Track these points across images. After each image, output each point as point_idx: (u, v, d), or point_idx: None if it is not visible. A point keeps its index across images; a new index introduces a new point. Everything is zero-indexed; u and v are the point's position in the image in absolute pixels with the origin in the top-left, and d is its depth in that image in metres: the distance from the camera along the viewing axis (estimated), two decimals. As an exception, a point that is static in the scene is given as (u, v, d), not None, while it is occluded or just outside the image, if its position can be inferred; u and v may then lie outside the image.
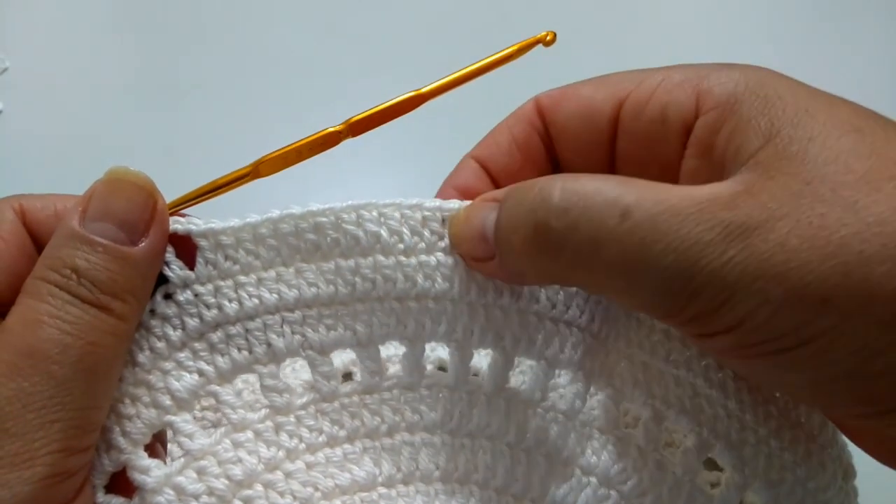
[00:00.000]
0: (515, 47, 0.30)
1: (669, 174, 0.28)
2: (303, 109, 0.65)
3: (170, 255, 0.28)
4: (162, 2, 0.75)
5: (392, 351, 0.33)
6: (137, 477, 0.27)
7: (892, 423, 0.24)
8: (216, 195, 0.29)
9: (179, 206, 0.29)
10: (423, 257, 0.29)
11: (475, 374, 0.31)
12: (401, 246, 0.29)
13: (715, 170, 0.26)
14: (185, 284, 0.28)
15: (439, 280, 0.29)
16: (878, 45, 0.68)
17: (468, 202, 0.29)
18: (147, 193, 0.27)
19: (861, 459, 0.30)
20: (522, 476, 0.30)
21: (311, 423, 0.29)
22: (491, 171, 0.32)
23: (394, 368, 0.31)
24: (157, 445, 0.29)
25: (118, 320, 0.26)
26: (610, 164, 0.30)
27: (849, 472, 0.31)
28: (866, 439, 0.29)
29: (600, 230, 0.23)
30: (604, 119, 0.29)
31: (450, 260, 0.29)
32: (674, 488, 0.30)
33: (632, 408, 0.32)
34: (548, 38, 0.30)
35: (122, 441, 0.27)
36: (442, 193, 0.33)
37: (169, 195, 0.28)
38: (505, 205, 0.26)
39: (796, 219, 0.22)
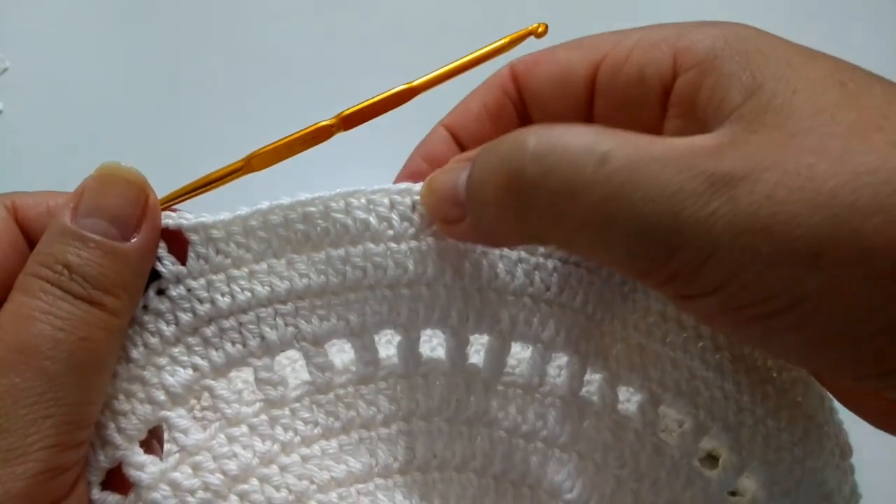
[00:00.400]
0: (507, 39, 0.30)
1: None
2: (303, 109, 0.65)
3: (162, 250, 0.28)
4: (162, 2, 0.75)
5: (392, 350, 0.32)
6: (133, 473, 0.27)
7: (892, 385, 0.22)
8: (209, 190, 0.29)
9: (172, 201, 0.29)
10: (414, 243, 0.29)
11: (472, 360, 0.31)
12: (390, 232, 0.28)
13: (699, 128, 0.24)
14: (178, 279, 0.28)
15: (431, 265, 0.29)
16: (876, 44, 0.68)
17: None
18: (138, 189, 0.27)
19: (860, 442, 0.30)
20: (520, 462, 0.30)
21: (306, 415, 0.29)
22: (461, 140, 0.32)
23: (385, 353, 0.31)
24: (152, 441, 0.29)
25: (110, 315, 0.26)
26: None
27: (845, 451, 0.31)
28: (862, 403, 0.28)
29: (577, 176, 0.22)
30: (580, 82, 0.28)
31: (441, 244, 0.29)
32: (672, 471, 0.30)
33: (629, 391, 0.32)
34: (539, 29, 0.30)
35: (117, 437, 0.27)
36: (410, 162, 0.32)
37: (169, 192, 0.28)
38: (478, 160, 0.25)
39: (784, 169, 0.20)
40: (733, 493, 0.31)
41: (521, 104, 0.30)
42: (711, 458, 0.33)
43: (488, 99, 0.31)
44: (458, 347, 0.30)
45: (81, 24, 0.74)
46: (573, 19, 0.70)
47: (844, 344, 0.21)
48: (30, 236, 0.28)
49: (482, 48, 0.30)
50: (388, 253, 0.28)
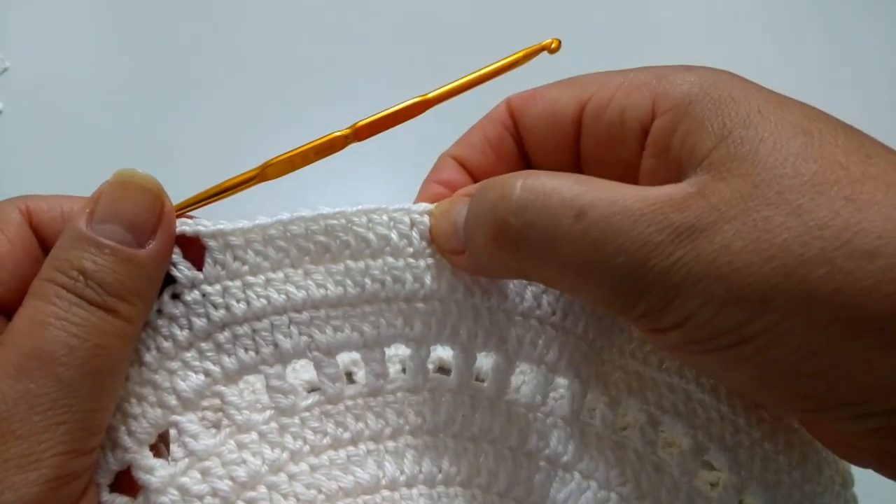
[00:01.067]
0: (521, 54, 0.30)
1: (630, 174, 0.29)
2: (304, 109, 0.65)
3: (177, 255, 0.28)
4: (162, 2, 0.75)
5: (391, 351, 0.33)
6: (142, 476, 0.27)
7: (835, 418, 0.24)
8: (223, 197, 0.29)
9: (187, 207, 0.29)
10: (431, 260, 0.29)
11: (479, 378, 0.32)
12: (410, 249, 0.29)
13: (671, 170, 0.26)
14: (193, 285, 0.28)
15: (445, 282, 0.29)
16: (874, 43, 0.68)
17: None
18: (154, 196, 0.27)
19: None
20: (524, 480, 0.31)
21: (316, 424, 0.30)
22: (468, 169, 0.33)
23: (393, 368, 0.32)
24: (160, 445, 0.29)
25: (125, 322, 0.26)
26: (576, 163, 0.31)
27: (847, 479, 0.31)
28: (818, 433, 0.30)
29: (556, 230, 0.24)
30: (567, 120, 0.29)
31: None
32: (672, 490, 0.30)
33: (628, 413, 0.32)
34: (553, 45, 0.31)
35: (127, 440, 0.27)
36: (425, 189, 0.33)
37: (170, 193, 0.28)
38: (471, 205, 0.27)
39: (742, 221, 0.23)
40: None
41: (518, 137, 0.32)
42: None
43: (489, 132, 0.32)
44: (466, 364, 0.30)
45: (81, 24, 0.74)
46: (581, 25, 0.71)
47: (786, 381, 0.24)
48: (44, 241, 0.28)
49: (495, 63, 0.30)
50: (407, 267, 0.29)
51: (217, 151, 0.63)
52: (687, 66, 0.27)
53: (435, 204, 0.30)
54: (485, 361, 0.32)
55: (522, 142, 0.32)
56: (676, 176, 0.26)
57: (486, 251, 0.27)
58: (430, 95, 0.30)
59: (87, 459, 0.26)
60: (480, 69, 0.30)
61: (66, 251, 0.26)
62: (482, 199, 0.27)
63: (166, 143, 0.64)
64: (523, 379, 0.32)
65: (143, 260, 0.26)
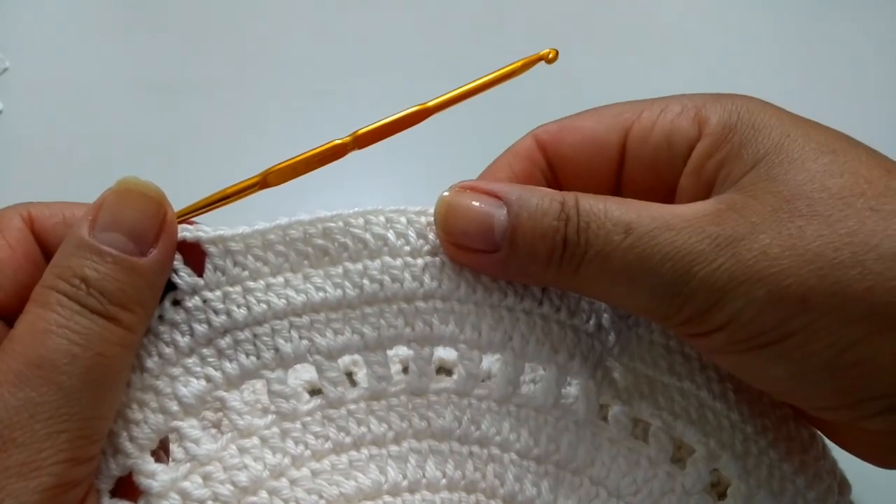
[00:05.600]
0: (519, 63, 0.31)
1: (669, 197, 0.30)
2: (305, 111, 0.65)
3: (178, 262, 0.28)
4: (163, 2, 0.75)
5: (391, 352, 0.32)
6: (143, 481, 0.28)
7: (864, 415, 0.26)
8: (224, 204, 0.30)
9: (188, 214, 0.29)
10: (429, 258, 0.29)
11: (485, 380, 0.31)
12: (407, 248, 0.29)
13: (700, 190, 0.29)
14: (194, 291, 0.28)
15: (446, 280, 0.29)
16: (874, 44, 0.68)
17: None
18: (157, 204, 0.27)
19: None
20: (531, 485, 0.30)
21: (318, 429, 0.30)
22: None
23: (394, 369, 0.31)
24: (159, 451, 0.29)
25: (126, 331, 0.26)
26: (615, 190, 0.32)
27: (843, 487, 0.32)
28: (843, 435, 0.31)
29: (608, 245, 0.26)
30: (612, 148, 0.31)
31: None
32: (682, 498, 0.30)
33: (641, 419, 0.32)
34: (550, 55, 0.31)
35: (128, 446, 0.28)
36: None
37: (169, 194, 0.28)
38: (523, 210, 0.28)
39: (777, 231, 0.25)
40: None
41: (549, 172, 0.33)
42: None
43: (516, 168, 0.33)
44: (471, 365, 0.30)
45: (81, 24, 0.74)
46: (577, 30, 0.71)
47: (822, 375, 0.25)
48: (45, 247, 0.28)
49: (494, 72, 0.31)
50: (405, 266, 0.29)
51: (217, 152, 0.63)
52: (723, 94, 0.29)
53: (445, 195, 0.29)
54: (491, 362, 0.32)
55: (556, 174, 0.33)
56: (705, 196, 0.28)
57: (539, 266, 0.28)
58: (430, 104, 0.30)
59: (87, 467, 0.26)
60: (479, 79, 0.31)
61: (67, 258, 0.26)
62: (543, 213, 0.27)
63: (166, 144, 0.64)
64: (533, 386, 0.32)
65: (144, 268, 0.26)
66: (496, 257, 0.28)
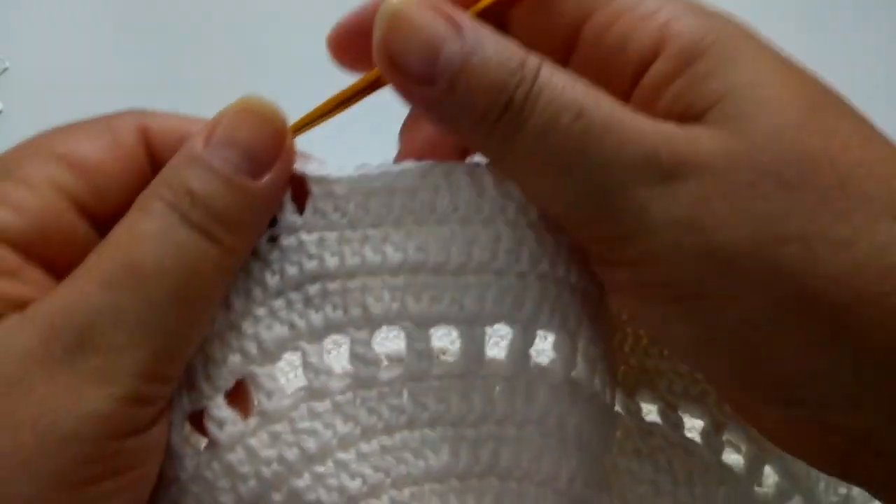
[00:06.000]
0: None
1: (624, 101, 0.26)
2: (304, 111, 0.65)
3: (285, 196, 0.26)
4: (163, 2, 0.75)
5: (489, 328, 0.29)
6: (212, 429, 0.25)
7: (764, 398, 0.24)
8: (344, 109, 0.27)
9: (303, 127, 0.27)
10: (549, 236, 0.27)
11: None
12: (524, 220, 0.27)
13: (657, 112, 0.25)
14: (292, 230, 0.26)
15: (562, 263, 0.27)
16: (874, 44, 0.68)
17: None
18: (277, 128, 0.25)
19: None
20: (588, 471, 0.28)
21: (395, 401, 0.27)
22: None
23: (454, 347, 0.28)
24: (245, 394, 0.27)
25: (225, 253, 0.24)
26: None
27: None
28: (752, 418, 0.28)
29: (551, 122, 0.23)
30: (565, 29, 0.27)
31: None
32: (704, 471, 0.30)
33: (642, 403, 0.32)
34: None
35: (204, 384, 0.25)
36: None
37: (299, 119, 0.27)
38: (478, 51, 0.24)
39: (728, 181, 0.22)
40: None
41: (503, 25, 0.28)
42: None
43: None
44: (570, 350, 0.27)
45: (81, 24, 0.74)
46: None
47: (725, 347, 0.23)
48: (156, 158, 0.26)
49: None
50: (523, 239, 0.26)
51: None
52: (703, 10, 0.25)
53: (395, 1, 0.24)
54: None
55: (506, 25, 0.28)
56: (661, 117, 0.24)
57: (472, 118, 0.24)
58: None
59: (163, 387, 0.24)
60: None
61: (177, 169, 0.24)
62: (499, 65, 0.23)
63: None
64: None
65: (255, 192, 0.24)
66: (427, 91, 0.24)
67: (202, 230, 0.24)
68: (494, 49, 0.24)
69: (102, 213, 0.25)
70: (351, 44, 0.29)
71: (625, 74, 0.25)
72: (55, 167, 0.25)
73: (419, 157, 0.27)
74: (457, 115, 0.24)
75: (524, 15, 0.27)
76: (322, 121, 0.27)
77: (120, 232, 0.24)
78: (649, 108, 0.25)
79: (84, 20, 0.74)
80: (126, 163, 0.25)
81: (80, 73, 0.70)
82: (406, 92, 0.25)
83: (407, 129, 0.32)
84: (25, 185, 0.24)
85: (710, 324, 0.23)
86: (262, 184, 0.25)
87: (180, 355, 0.24)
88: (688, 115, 0.24)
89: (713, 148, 0.23)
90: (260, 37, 0.72)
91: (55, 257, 0.24)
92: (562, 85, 0.24)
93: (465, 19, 0.24)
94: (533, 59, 0.24)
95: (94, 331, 0.22)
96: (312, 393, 0.26)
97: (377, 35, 0.24)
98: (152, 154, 0.26)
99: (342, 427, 0.26)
